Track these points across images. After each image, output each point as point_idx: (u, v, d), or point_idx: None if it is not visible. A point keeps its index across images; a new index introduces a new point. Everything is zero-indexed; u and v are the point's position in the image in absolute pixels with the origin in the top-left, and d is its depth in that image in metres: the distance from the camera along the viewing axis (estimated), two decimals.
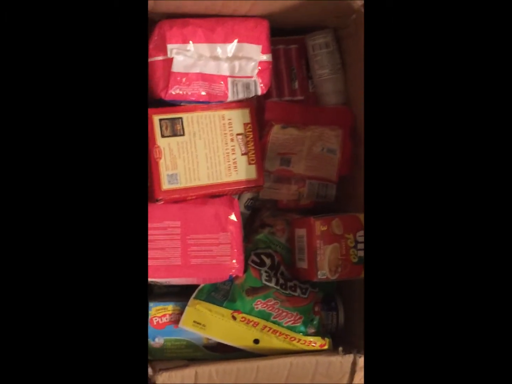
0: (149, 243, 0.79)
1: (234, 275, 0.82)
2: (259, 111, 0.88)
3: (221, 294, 0.82)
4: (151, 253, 0.79)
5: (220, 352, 0.82)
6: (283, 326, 0.81)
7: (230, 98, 0.83)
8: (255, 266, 0.85)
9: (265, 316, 0.81)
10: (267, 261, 0.86)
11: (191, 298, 0.81)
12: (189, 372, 0.75)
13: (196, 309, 0.80)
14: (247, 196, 0.90)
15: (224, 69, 0.83)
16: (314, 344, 0.81)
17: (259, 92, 0.85)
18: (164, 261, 0.80)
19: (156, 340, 0.81)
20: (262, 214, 0.91)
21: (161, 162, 0.81)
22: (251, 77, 0.84)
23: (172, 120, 0.82)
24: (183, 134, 0.82)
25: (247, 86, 0.84)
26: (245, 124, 0.85)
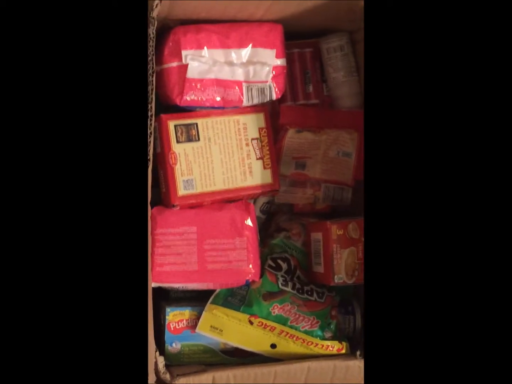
0: (165, 248, 0.80)
1: (250, 280, 0.82)
2: (274, 116, 0.88)
3: (237, 299, 0.82)
4: (167, 259, 0.80)
5: (237, 357, 0.82)
6: (300, 331, 0.81)
7: (245, 103, 0.83)
8: (272, 271, 0.85)
9: (282, 320, 0.81)
10: (284, 266, 0.86)
11: (208, 303, 0.81)
12: (206, 377, 0.75)
13: (213, 314, 0.80)
14: (262, 200, 0.90)
15: (239, 74, 0.82)
16: (331, 349, 0.81)
17: (274, 97, 0.85)
18: (181, 266, 0.80)
19: (173, 345, 0.81)
20: (278, 218, 0.91)
21: (177, 168, 0.81)
22: (265, 81, 0.84)
23: (187, 125, 0.82)
24: (198, 140, 0.82)
25: (262, 91, 0.84)
26: (260, 129, 0.85)
